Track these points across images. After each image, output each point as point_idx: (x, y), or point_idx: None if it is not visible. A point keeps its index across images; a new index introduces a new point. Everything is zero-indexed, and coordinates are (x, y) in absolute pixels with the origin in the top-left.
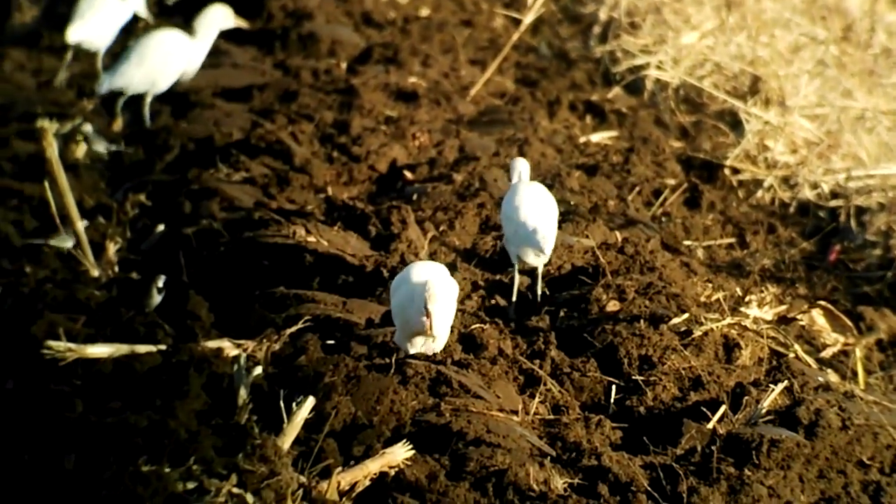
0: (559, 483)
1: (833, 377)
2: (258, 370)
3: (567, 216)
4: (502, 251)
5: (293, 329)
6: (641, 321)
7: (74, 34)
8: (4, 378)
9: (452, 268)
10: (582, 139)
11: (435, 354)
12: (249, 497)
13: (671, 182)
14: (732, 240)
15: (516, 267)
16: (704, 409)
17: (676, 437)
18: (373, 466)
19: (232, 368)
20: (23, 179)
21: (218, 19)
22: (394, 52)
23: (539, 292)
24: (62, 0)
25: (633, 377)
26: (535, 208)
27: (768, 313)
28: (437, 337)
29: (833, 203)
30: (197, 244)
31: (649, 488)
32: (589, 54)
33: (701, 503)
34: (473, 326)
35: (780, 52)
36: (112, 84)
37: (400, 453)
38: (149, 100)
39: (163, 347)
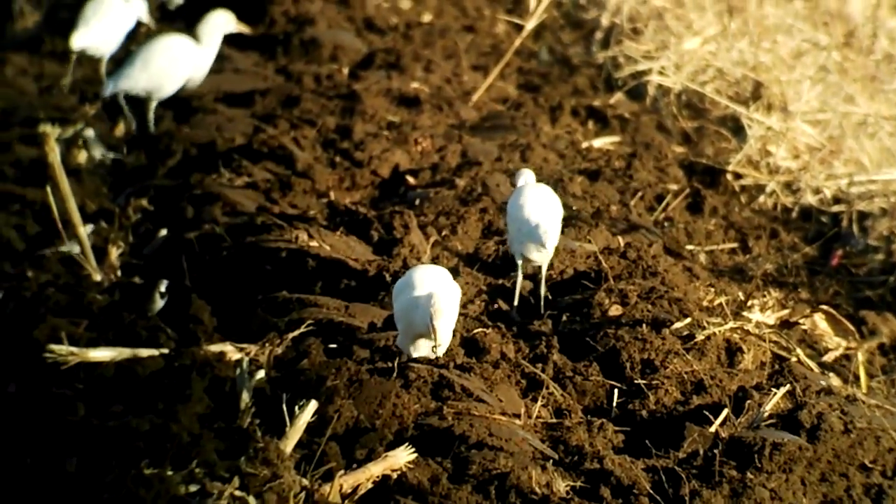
0: (561, 486)
1: (835, 381)
2: (260, 374)
3: (569, 221)
4: (504, 256)
5: (296, 333)
6: (644, 325)
7: (79, 40)
8: (7, 382)
9: (455, 272)
10: (584, 144)
11: (437, 358)
12: (252, 500)
13: (673, 187)
14: (735, 244)
15: (520, 265)
16: (707, 413)
17: (679, 441)
18: (375, 470)
19: (234, 372)
20: (25, 184)
21: (221, 24)
22: (396, 58)
23: (542, 295)
24: (64, 5)
25: (636, 381)
26: (538, 205)
27: (770, 318)
28: (440, 343)
29: (835, 208)
30: (199, 249)
31: (651, 492)
32: (591, 60)
33: None
34: (476, 330)
35: (782, 57)
36: (116, 87)
37: (402, 456)
38: (153, 105)
39: (165, 351)
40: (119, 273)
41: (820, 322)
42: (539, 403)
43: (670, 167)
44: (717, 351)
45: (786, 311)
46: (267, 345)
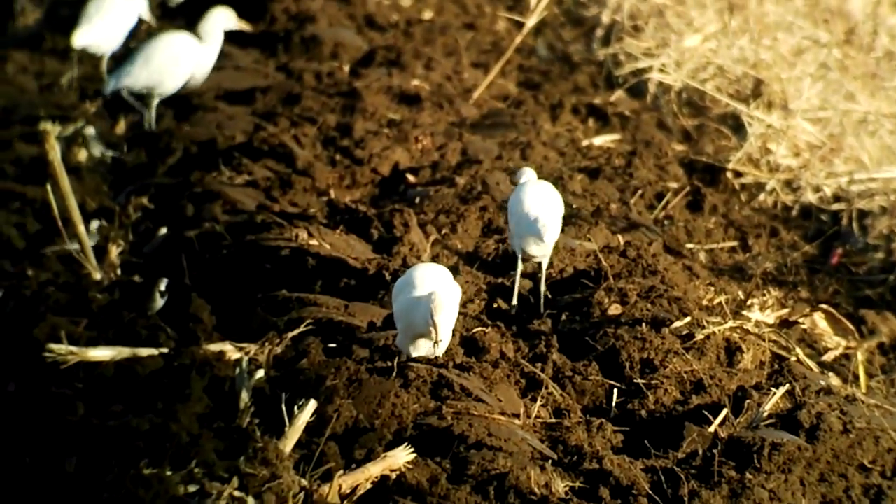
0: (560, 486)
1: (835, 381)
2: (260, 373)
3: (569, 219)
4: (505, 254)
5: (295, 332)
6: (643, 325)
7: (81, 38)
8: (6, 381)
9: (455, 271)
10: (584, 142)
11: (437, 358)
12: (251, 500)
13: (673, 185)
14: (734, 243)
15: (520, 258)
16: (706, 413)
17: (678, 441)
18: (374, 470)
19: (234, 372)
20: (25, 182)
21: (222, 21)
22: (396, 55)
23: (542, 293)
24: (65, 3)
25: (635, 381)
26: (538, 200)
27: (770, 317)
28: (440, 342)
29: (835, 206)
30: (199, 247)
31: (650, 492)
32: (591, 57)
33: None
34: (475, 330)
35: (782, 55)
36: (118, 84)
37: (401, 456)
38: (155, 102)
39: (165, 351)
40: (119, 271)
41: (819, 321)
42: (538, 403)
43: (670, 165)
44: (717, 350)
45: (785, 311)
46: (266, 344)
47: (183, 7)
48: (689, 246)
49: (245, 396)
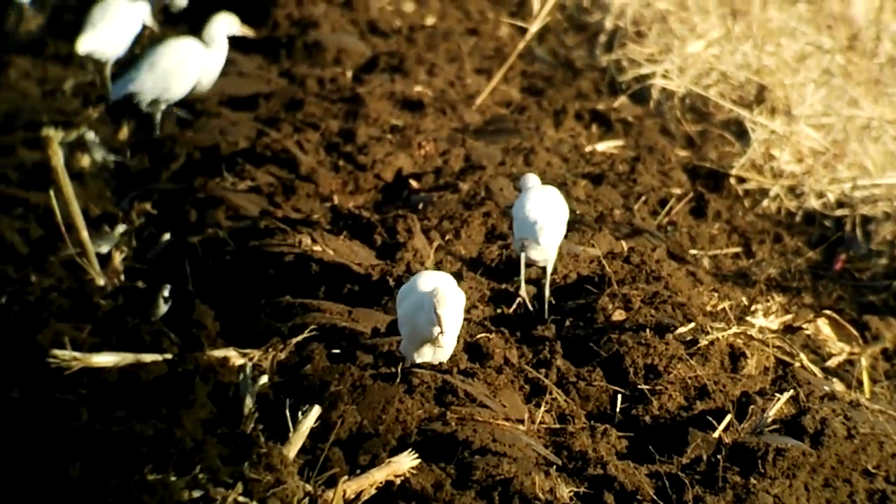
0: (565, 492)
1: (839, 386)
2: (264, 379)
3: (573, 225)
4: (508, 260)
5: (299, 338)
6: (647, 330)
7: (86, 44)
8: (10, 387)
9: (458, 277)
10: (588, 148)
11: (441, 364)
12: None
13: (677, 191)
14: (738, 249)
15: (522, 258)
16: (710, 419)
17: (682, 446)
18: (378, 475)
19: (238, 377)
20: (28, 188)
21: (225, 27)
22: (399, 61)
23: (546, 299)
24: (67, 8)
25: (639, 386)
26: (540, 204)
27: (774, 322)
28: (444, 345)
29: (839, 212)
30: (203, 253)
31: (655, 497)
32: (595, 63)
33: None
34: (479, 336)
35: (785, 61)
36: (124, 90)
37: (406, 462)
38: (161, 108)
39: (168, 356)
40: (122, 277)
41: (823, 327)
42: (542, 409)
43: (674, 171)
44: (721, 356)
45: (789, 316)
46: (270, 350)
47: (186, 13)
48: (693, 252)
49: (249, 402)
